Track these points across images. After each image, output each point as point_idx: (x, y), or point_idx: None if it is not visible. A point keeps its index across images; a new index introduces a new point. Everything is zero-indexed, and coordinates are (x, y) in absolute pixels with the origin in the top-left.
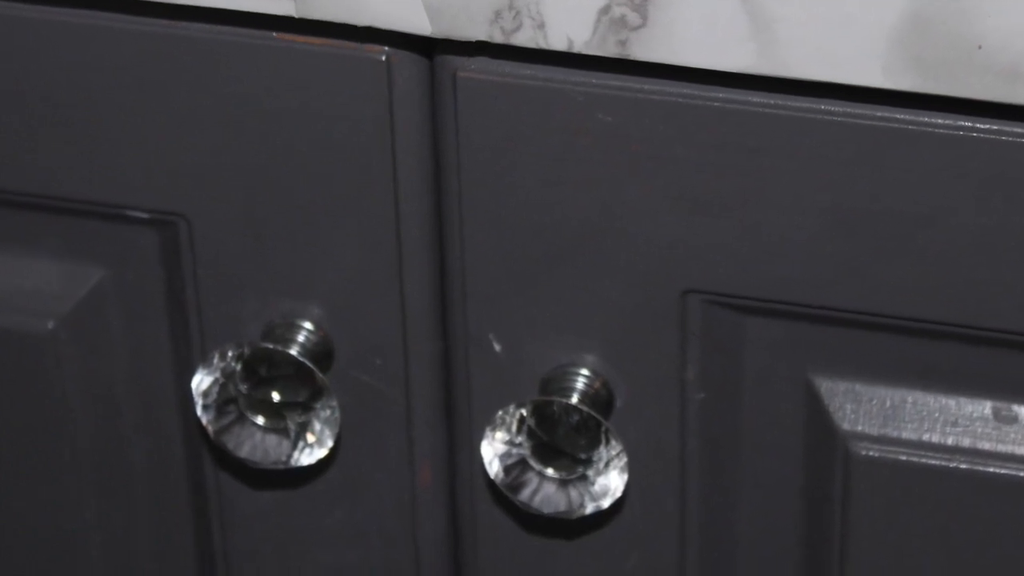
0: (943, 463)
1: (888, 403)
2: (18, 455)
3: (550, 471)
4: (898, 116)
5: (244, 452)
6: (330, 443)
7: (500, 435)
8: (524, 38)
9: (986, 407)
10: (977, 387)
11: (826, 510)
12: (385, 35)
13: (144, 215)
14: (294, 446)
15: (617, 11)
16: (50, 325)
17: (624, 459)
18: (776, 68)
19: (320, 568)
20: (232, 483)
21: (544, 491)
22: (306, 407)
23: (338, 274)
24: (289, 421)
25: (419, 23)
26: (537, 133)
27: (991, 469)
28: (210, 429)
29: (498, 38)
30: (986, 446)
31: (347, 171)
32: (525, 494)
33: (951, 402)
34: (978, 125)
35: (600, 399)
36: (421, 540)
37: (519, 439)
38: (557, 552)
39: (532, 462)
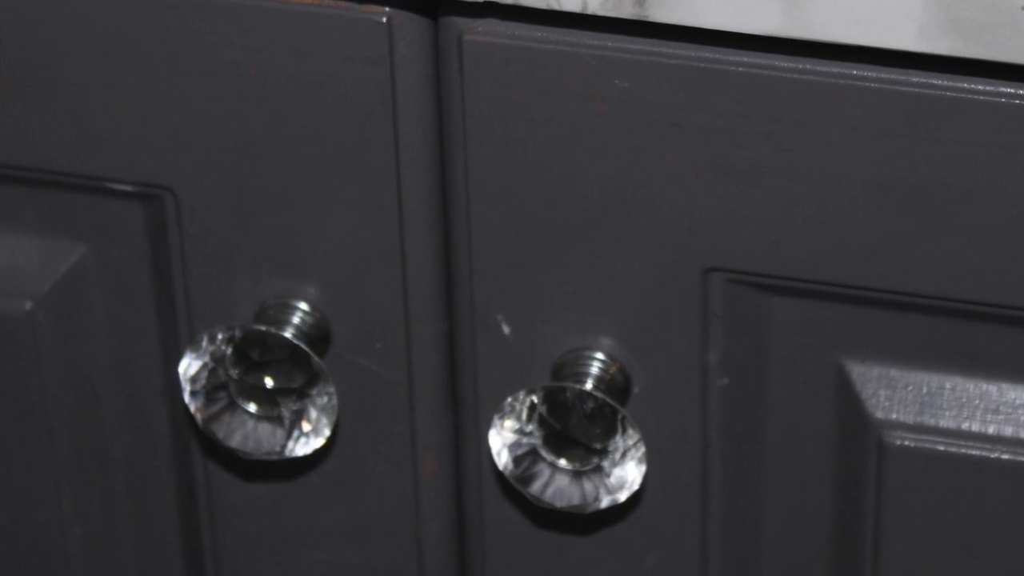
0: (984, 453)
1: (925, 389)
2: None
3: (563, 462)
4: (935, 82)
5: (235, 442)
6: (327, 432)
7: (509, 424)
8: None
9: None
10: (1020, 372)
11: (858, 503)
12: None
13: (128, 188)
14: (288, 436)
15: None
16: (27, 306)
17: (642, 449)
18: (804, 31)
19: (317, 567)
20: (222, 475)
21: (556, 483)
22: (301, 394)
23: (335, 251)
24: (283, 409)
25: None
26: (548, 100)
27: None
28: (198, 417)
29: None
30: None
31: (345, 141)
32: (536, 487)
33: (992, 388)
34: (1021, 92)
35: (616, 385)
36: (425, 537)
37: (529, 428)
38: (570, 549)
39: (543, 452)
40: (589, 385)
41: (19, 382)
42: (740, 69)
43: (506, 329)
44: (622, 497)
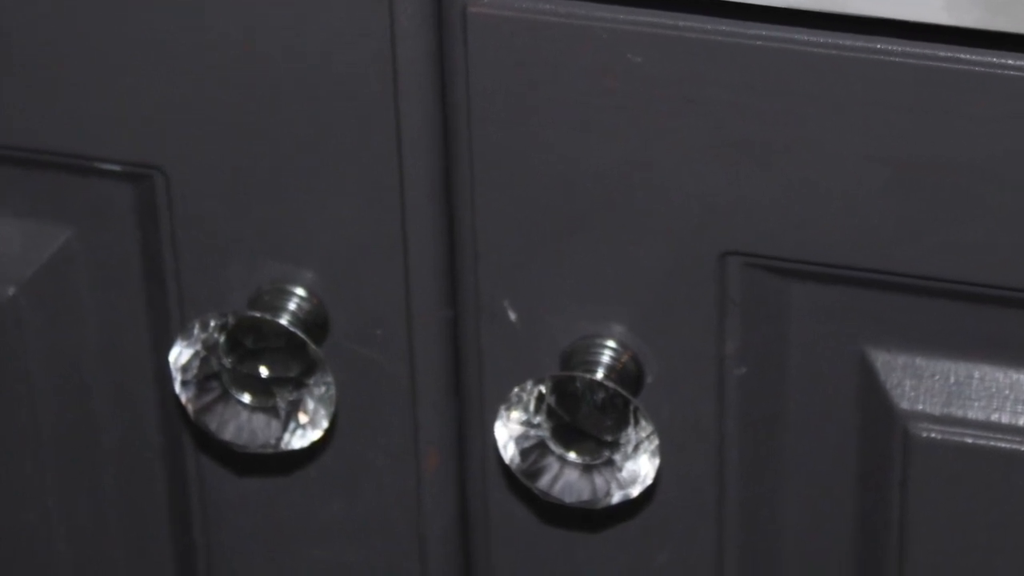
0: (1014, 446)
1: (952, 379)
2: None
3: (572, 455)
4: (963, 57)
5: (228, 434)
6: (325, 424)
7: (516, 415)
8: None
9: None
10: None
11: (883, 498)
12: None
13: (116, 168)
14: (284, 427)
15: None
16: (10, 292)
17: (655, 442)
18: (825, 2)
19: (314, 565)
20: (215, 469)
21: (565, 478)
22: (298, 383)
23: (334, 234)
24: (279, 399)
25: None
26: (557, 76)
27: None
28: (190, 408)
29: None
30: None
31: (344, 119)
32: (544, 481)
33: (1023, 378)
34: None
35: (628, 374)
36: (427, 533)
37: (537, 419)
38: (579, 546)
39: (552, 445)
40: (600, 375)
41: (2, 371)
42: (758, 43)
43: (513, 316)
44: (634, 492)
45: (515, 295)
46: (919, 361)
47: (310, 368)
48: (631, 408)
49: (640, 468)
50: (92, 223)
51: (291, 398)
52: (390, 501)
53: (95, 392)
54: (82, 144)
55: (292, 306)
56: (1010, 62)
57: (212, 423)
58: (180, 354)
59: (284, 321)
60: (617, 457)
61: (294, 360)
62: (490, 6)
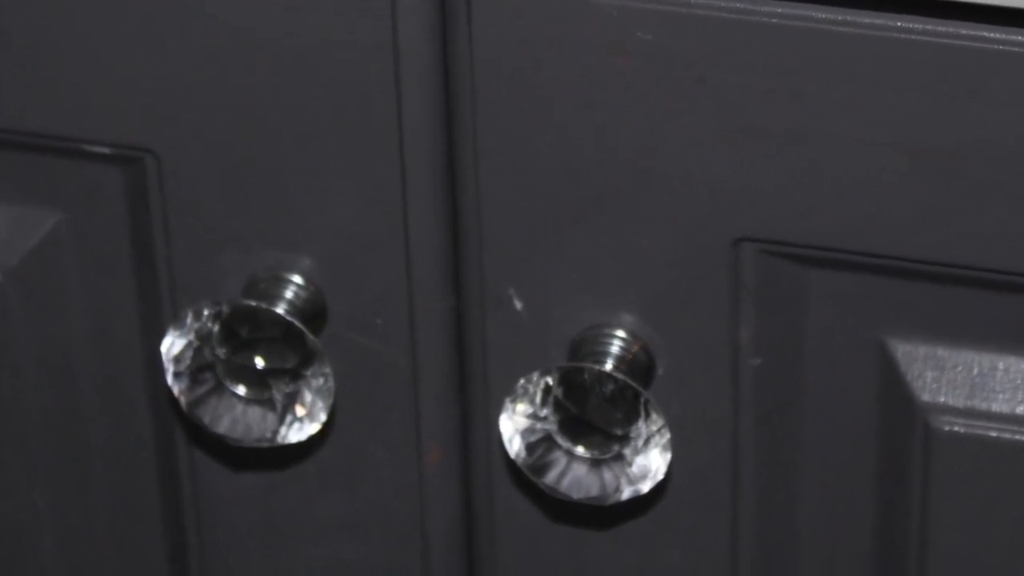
0: None
1: (975, 370)
2: None
3: (580, 449)
4: (986, 35)
5: (223, 428)
6: (323, 417)
7: (522, 408)
8: None
9: None
10: None
11: (903, 493)
12: None
13: (106, 150)
14: (281, 420)
15: None
16: None
17: (667, 436)
18: None
19: (312, 563)
20: (209, 464)
21: (573, 473)
22: (295, 375)
23: (332, 220)
24: (275, 391)
25: None
26: (565, 55)
27: None
28: (183, 401)
29: None
30: None
31: (343, 100)
32: (551, 476)
33: None
34: None
35: (638, 365)
36: (429, 529)
37: (544, 412)
38: (588, 544)
39: (559, 439)
40: (609, 366)
41: None
42: (774, 21)
43: (519, 305)
44: (645, 488)
45: (521, 283)
46: (941, 352)
47: (308, 359)
48: (641, 400)
49: (651, 463)
50: (81, 208)
51: (288, 390)
52: (390, 496)
53: (84, 384)
54: (70, 126)
55: (289, 294)
56: None
57: (206, 416)
58: (172, 344)
59: (281, 310)
60: (627, 451)
61: (291, 350)
62: None
